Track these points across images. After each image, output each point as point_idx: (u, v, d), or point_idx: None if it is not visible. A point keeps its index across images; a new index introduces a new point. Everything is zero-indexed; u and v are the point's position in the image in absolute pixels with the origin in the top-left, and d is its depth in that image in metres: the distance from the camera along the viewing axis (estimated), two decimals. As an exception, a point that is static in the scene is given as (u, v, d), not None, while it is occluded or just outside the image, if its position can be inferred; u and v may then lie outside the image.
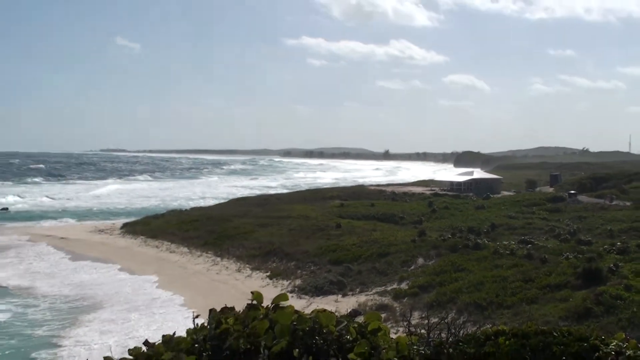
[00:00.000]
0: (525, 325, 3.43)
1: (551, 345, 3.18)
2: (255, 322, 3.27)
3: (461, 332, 3.55)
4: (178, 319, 29.29)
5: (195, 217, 56.81)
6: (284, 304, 3.45)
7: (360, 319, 3.48)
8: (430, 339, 3.54)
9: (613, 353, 3.11)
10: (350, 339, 3.17)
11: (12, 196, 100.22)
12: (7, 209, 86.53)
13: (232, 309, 3.58)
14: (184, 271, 40.27)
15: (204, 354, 3.27)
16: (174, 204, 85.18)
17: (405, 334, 3.51)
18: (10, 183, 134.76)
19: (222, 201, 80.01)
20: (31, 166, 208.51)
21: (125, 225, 58.40)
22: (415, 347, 3.24)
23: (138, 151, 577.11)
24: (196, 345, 3.38)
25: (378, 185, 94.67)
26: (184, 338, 3.54)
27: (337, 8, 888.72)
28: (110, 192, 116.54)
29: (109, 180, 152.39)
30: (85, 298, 34.66)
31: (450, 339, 3.47)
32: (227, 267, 40.28)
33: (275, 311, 3.37)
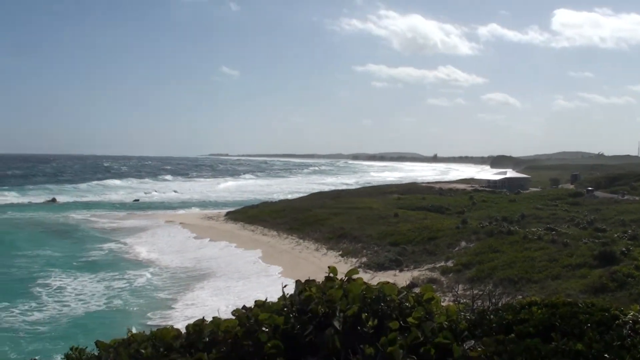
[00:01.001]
0: (554, 297, 3.32)
1: (577, 314, 3.06)
2: (331, 290, 3.25)
3: (499, 302, 3.46)
4: (266, 285, 29.61)
5: (282, 208, 57.23)
6: (355, 276, 3.43)
7: (416, 290, 3.43)
8: (474, 307, 3.46)
9: (631, 322, 2.97)
10: (409, 305, 3.13)
11: (143, 192, 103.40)
12: (138, 200, 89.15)
13: (314, 280, 3.58)
14: (273, 250, 40.62)
15: (291, 315, 3.27)
16: (267, 197, 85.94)
17: (453, 303, 3.44)
18: (148, 180, 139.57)
19: (304, 195, 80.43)
20: (164, 167, 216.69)
21: (228, 214, 59.27)
22: (462, 313, 3.17)
23: (239, 155, 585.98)
24: (285, 308, 3.39)
25: (428, 183, 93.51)
26: (275, 302, 3.55)
27: (396, 41, 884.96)
28: (227, 187, 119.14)
29: (226, 178, 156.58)
30: (199, 269, 35.38)
31: (491, 307, 3.38)
32: (307, 247, 40.45)
33: (348, 282, 3.35)
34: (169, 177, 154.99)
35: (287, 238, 44.00)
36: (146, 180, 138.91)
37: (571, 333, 2.93)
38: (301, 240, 42.52)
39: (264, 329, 3.19)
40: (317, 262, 35.64)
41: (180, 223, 54.68)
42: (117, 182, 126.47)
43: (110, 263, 37.88)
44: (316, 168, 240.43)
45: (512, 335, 2.90)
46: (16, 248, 42.89)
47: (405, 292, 3.21)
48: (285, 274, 32.16)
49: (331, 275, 3.41)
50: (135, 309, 27.77)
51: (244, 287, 30.47)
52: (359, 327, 2.98)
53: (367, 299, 3.12)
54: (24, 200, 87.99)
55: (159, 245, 43.90)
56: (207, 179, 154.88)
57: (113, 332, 20.57)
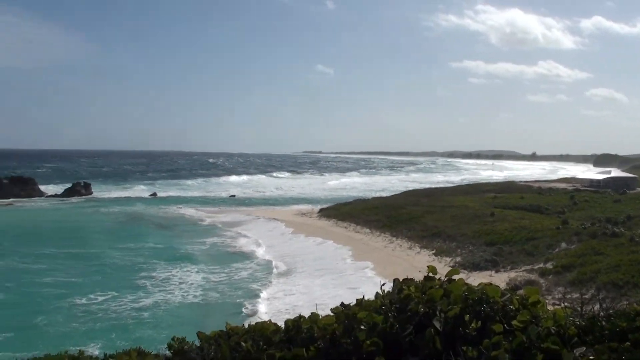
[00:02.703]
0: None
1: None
2: (431, 290, 3.17)
3: (611, 308, 3.24)
4: (359, 282, 29.62)
5: (375, 205, 57.05)
6: (455, 277, 3.33)
7: (520, 292, 3.29)
8: (583, 312, 3.26)
9: None
10: (513, 308, 3.00)
11: (244, 188, 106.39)
12: (234, 195, 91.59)
13: (412, 279, 3.51)
14: (366, 247, 40.58)
15: (390, 314, 3.22)
16: (362, 194, 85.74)
17: (558, 306, 3.27)
18: (249, 176, 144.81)
19: (397, 193, 79.87)
20: (269, 164, 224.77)
21: (321, 210, 59.76)
22: (570, 318, 3.00)
23: (332, 152, 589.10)
24: (383, 307, 3.34)
25: (527, 182, 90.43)
26: (373, 300, 3.51)
27: (494, 36, 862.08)
28: (335, 185, 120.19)
29: (332, 175, 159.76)
30: (292, 263, 35.86)
31: (602, 313, 3.18)
32: (400, 245, 40.13)
33: (448, 282, 3.26)
34: (276, 174, 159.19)
35: (380, 236, 43.83)
36: (246, 176, 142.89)
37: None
38: (394, 238, 42.23)
39: (362, 327, 3.16)
40: (411, 260, 35.30)
41: (275, 219, 55.70)
42: (221, 178, 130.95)
43: (211, 256, 39.18)
44: (419, 166, 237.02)
45: (627, 343, 2.71)
46: (122, 241, 45.17)
47: (509, 294, 3.08)
48: (377, 272, 32.06)
49: (431, 274, 3.33)
50: (232, 300, 28.56)
51: (337, 283, 30.62)
52: (460, 329, 2.89)
53: (469, 300, 3.02)
54: (129, 194, 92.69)
55: (255, 240, 44.93)
56: (314, 176, 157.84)
57: (211, 322, 21.26)
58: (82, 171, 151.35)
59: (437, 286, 3.19)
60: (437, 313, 2.99)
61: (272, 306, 26.96)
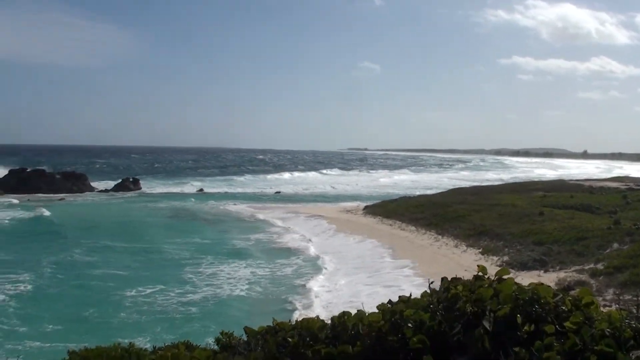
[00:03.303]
0: None
1: None
2: (480, 289, 3.13)
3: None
4: (407, 280, 29.49)
5: (421, 203, 56.57)
6: (505, 276, 3.27)
7: (572, 293, 3.21)
8: (638, 314, 3.17)
9: None
10: (566, 309, 2.93)
11: (291, 184, 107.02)
12: (279, 192, 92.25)
13: (460, 278, 3.47)
14: (411, 244, 40.31)
15: (437, 312, 3.19)
16: (408, 192, 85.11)
17: (615, 308, 3.18)
18: (297, 172, 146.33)
19: (444, 190, 79.08)
20: (316, 160, 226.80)
21: (366, 207, 59.59)
22: (626, 320, 2.91)
23: (377, 149, 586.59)
24: (430, 306, 3.31)
25: (577, 180, 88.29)
26: (419, 299, 3.48)
27: (545, 31, 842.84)
28: (387, 182, 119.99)
29: (381, 172, 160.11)
30: (335, 260, 35.90)
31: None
32: (446, 244, 39.71)
33: (498, 282, 3.20)
34: (325, 170, 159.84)
35: (426, 234, 43.47)
36: (294, 173, 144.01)
37: None
38: (440, 236, 41.83)
39: (409, 324, 3.14)
40: (457, 258, 34.91)
41: (321, 215, 55.85)
42: (268, 175, 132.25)
43: (256, 251, 39.53)
44: (469, 164, 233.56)
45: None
46: (169, 236, 45.98)
47: (561, 295, 3.01)
48: (422, 269, 31.81)
49: (480, 274, 3.28)
50: (276, 295, 28.81)
51: (378, 280, 30.53)
52: (511, 329, 2.84)
53: (520, 300, 2.96)
54: (177, 190, 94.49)
55: (300, 236, 45.16)
56: (362, 173, 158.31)
57: (257, 317, 21.47)
58: (133, 167, 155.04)
59: (487, 285, 3.15)
60: (487, 313, 2.94)
61: (315, 302, 27.04)
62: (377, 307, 3.37)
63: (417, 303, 3.38)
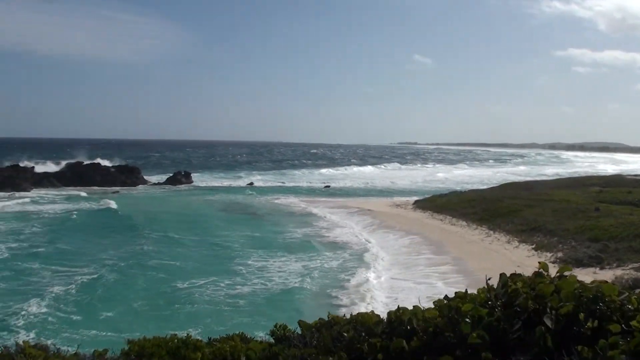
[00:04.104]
0: None
1: None
2: (541, 285, 3.06)
3: None
4: (452, 275, 29.17)
5: (472, 197, 55.77)
6: (567, 273, 3.19)
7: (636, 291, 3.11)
8: None
9: None
10: (632, 308, 2.84)
11: (339, 178, 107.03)
12: (328, 186, 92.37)
13: (520, 274, 3.40)
14: (462, 240, 39.80)
15: (496, 309, 3.13)
16: (462, 187, 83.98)
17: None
18: (347, 167, 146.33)
19: (495, 185, 77.79)
20: (365, 155, 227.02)
21: (416, 202, 59.12)
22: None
23: (427, 143, 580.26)
24: (488, 302, 3.26)
25: (635, 175, 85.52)
26: (476, 294, 3.43)
27: (602, 22, 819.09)
28: (445, 177, 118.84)
29: (438, 166, 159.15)
30: (385, 253, 35.75)
31: None
32: (498, 239, 39.05)
33: (559, 279, 3.13)
34: (382, 165, 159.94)
35: (477, 229, 42.84)
36: (347, 167, 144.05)
37: None
38: (491, 232, 41.16)
39: (466, 320, 3.09)
40: (509, 254, 34.30)
41: (369, 210, 55.70)
42: (321, 169, 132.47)
43: (304, 245, 39.71)
44: (526, 158, 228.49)
45: None
46: (220, 228, 46.69)
47: (627, 293, 2.91)
48: (473, 265, 31.40)
49: (541, 270, 3.21)
50: (323, 289, 28.84)
51: (428, 273, 30.27)
52: (574, 327, 2.76)
53: (583, 297, 2.88)
54: (229, 183, 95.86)
55: (349, 230, 45.17)
56: (416, 167, 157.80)
57: (306, 311, 21.60)
58: (185, 160, 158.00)
59: (548, 282, 3.07)
60: (548, 310, 2.87)
61: (362, 296, 26.97)
62: (433, 303, 3.34)
63: (474, 299, 3.33)
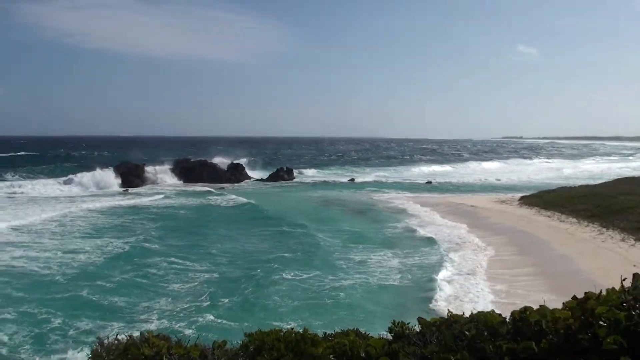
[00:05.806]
0: None
1: None
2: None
3: None
4: (563, 276, 27.94)
5: (582, 193, 53.13)
6: None
7: None
8: None
9: None
10: None
11: (439, 175, 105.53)
12: (430, 182, 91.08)
13: (659, 274, 3.15)
14: (572, 237, 38.03)
15: (634, 312, 2.92)
16: (570, 182, 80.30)
17: None
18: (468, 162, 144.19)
19: (607, 180, 73.77)
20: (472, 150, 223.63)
21: (522, 198, 57.15)
22: None
23: (533, 137, 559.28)
24: (624, 304, 3.04)
25: None
26: (609, 295, 3.22)
27: None
28: (572, 173, 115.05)
29: (567, 162, 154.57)
30: (491, 250, 34.83)
31: None
32: (611, 237, 36.98)
33: None
34: (497, 161, 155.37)
35: (588, 226, 40.78)
36: (452, 163, 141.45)
37: None
38: (604, 229, 39.03)
39: (601, 323, 2.90)
40: (624, 253, 32.39)
41: (471, 206, 54.45)
42: (423, 166, 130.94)
43: (402, 240, 39.43)
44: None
45: None
46: (322, 223, 47.18)
47: None
48: (584, 265, 29.97)
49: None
50: (420, 285, 28.45)
51: (537, 271, 29.17)
52: None
53: None
54: (329, 179, 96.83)
55: (447, 226, 44.37)
56: (533, 161, 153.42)
57: (407, 307, 21.39)
58: (285, 157, 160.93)
59: (695, 284, 2.82)
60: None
61: (455, 294, 26.39)
62: (564, 304, 3.15)
63: (607, 300, 3.12)
